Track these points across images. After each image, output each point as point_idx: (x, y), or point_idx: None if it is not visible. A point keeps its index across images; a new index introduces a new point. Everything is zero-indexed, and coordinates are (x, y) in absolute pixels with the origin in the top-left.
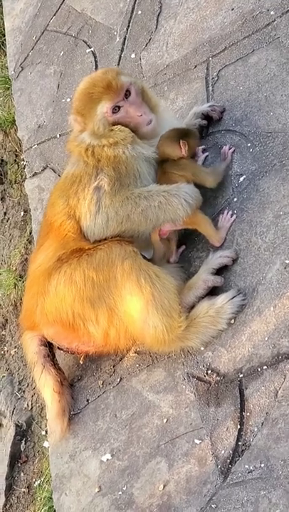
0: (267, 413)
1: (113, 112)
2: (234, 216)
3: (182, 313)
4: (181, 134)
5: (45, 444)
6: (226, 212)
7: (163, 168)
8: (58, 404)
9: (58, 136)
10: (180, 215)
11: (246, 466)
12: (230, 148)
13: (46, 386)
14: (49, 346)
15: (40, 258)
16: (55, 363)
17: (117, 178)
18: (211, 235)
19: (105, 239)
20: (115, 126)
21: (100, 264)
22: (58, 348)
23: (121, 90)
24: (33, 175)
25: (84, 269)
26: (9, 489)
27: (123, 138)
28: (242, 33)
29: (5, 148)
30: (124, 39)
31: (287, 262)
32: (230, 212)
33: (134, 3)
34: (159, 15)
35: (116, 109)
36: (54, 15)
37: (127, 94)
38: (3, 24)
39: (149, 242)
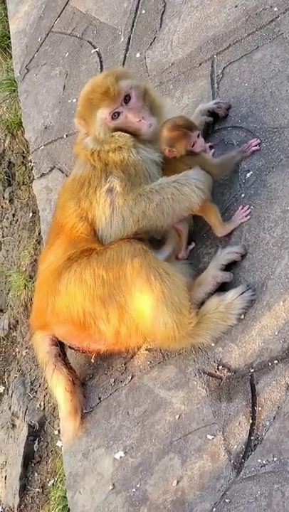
0: (279, 407)
1: (112, 118)
2: (248, 217)
3: (192, 309)
4: (173, 135)
5: (58, 443)
6: (245, 207)
7: (168, 161)
8: (70, 403)
9: (65, 136)
10: (195, 202)
11: (259, 460)
12: (256, 145)
13: (58, 385)
14: (60, 346)
15: (49, 258)
16: (66, 362)
17: (127, 179)
18: (216, 225)
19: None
20: (115, 132)
21: (109, 263)
22: (69, 347)
23: (118, 97)
24: (41, 176)
25: (94, 268)
26: (23, 489)
27: (124, 143)
28: (246, 29)
29: (12, 150)
30: (129, 39)
31: None
32: (248, 211)
33: (138, 2)
34: (163, 14)
35: (115, 115)
36: (58, 16)
37: (127, 99)
38: (8, 27)
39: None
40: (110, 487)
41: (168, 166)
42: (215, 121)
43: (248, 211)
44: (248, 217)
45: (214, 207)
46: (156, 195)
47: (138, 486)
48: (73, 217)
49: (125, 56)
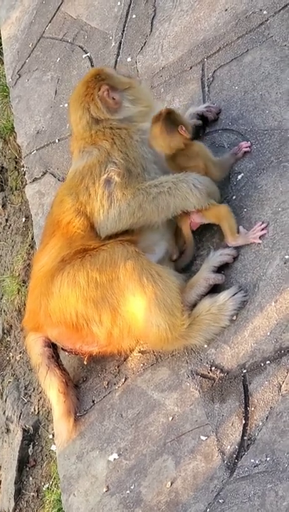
0: (271, 407)
1: None
2: (262, 240)
3: (185, 311)
4: (170, 121)
5: (53, 447)
6: (263, 225)
7: (175, 163)
8: (64, 405)
9: (57, 141)
10: (191, 201)
11: (252, 461)
12: (246, 147)
13: (51, 387)
14: (53, 347)
15: (43, 258)
16: (59, 364)
17: (125, 167)
18: (227, 234)
19: (116, 234)
20: None
21: (102, 265)
22: (62, 349)
23: None
24: (33, 180)
25: (87, 270)
26: (18, 494)
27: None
28: (236, 33)
29: (5, 156)
30: (120, 43)
31: (286, 257)
32: (264, 231)
33: (129, 7)
34: (153, 18)
35: None
36: (50, 22)
37: None
38: (0, 33)
39: (153, 243)
40: (104, 489)
41: (174, 169)
42: (205, 125)
43: (263, 232)
44: (260, 241)
45: (229, 215)
46: (155, 188)
47: (132, 487)
48: (71, 212)
49: (116, 61)
